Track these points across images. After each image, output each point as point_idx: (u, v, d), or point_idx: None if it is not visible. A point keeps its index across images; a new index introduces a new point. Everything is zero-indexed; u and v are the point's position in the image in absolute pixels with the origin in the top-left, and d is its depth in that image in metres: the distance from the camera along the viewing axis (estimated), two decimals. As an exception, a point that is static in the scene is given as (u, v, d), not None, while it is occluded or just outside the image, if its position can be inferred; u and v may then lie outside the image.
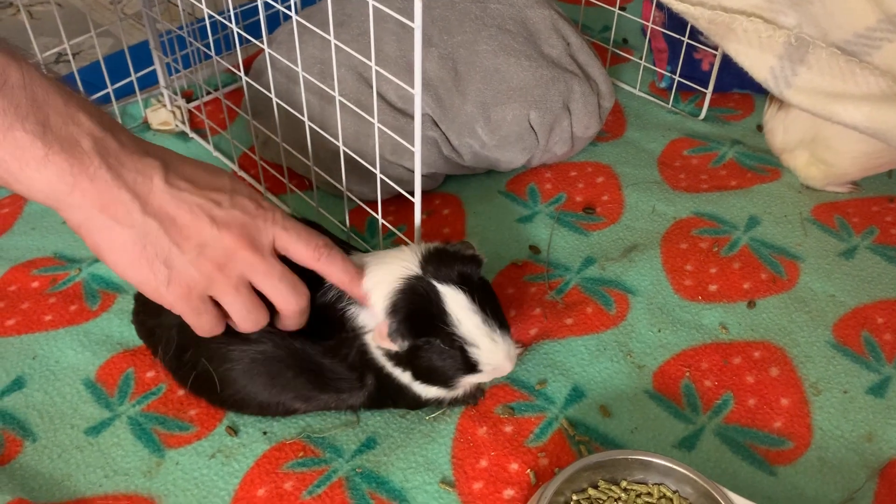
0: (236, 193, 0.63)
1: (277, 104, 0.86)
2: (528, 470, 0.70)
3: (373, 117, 0.75)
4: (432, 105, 0.93)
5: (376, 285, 0.67)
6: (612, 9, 1.14)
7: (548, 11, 1.00)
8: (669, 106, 1.13)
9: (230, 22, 0.85)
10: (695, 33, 1.01)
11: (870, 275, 0.88)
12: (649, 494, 0.66)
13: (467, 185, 1.01)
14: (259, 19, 0.81)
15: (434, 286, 0.66)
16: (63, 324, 0.83)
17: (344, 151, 0.81)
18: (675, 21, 1.05)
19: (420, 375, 0.69)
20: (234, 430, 0.73)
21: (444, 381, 0.69)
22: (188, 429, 0.74)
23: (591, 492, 0.66)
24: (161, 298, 0.61)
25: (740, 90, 1.15)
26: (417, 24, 0.61)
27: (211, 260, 0.60)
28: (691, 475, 0.65)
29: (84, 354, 0.80)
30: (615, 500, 0.66)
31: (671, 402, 0.76)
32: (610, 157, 1.04)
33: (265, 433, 0.73)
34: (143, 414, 0.75)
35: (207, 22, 0.89)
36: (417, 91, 0.66)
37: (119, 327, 0.82)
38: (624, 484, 0.67)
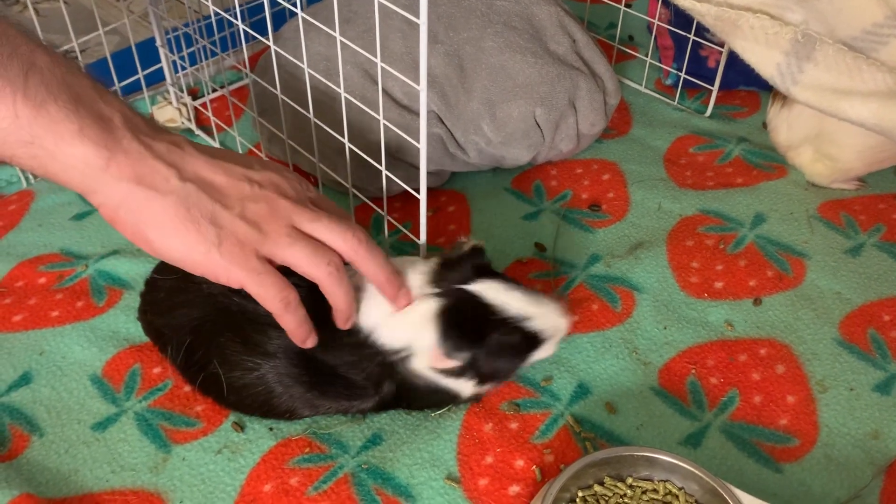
0: (265, 163, 0.64)
1: (283, 101, 0.86)
2: (534, 466, 0.70)
3: (378, 114, 0.75)
4: (438, 102, 0.93)
5: (405, 313, 0.67)
6: (618, 6, 1.14)
7: (554, 8, 1.00)
8: (675, 103, 1.13)
9: (236, 19, 0.85)
10: (701, 30, 1.01)
11: (876, 272, 0.88)
12: (655, 491, 0.66)
13: (473, 182, 1.01)
14: (265, 16, 0.81)
15: (463, 289, 0.67)
16: (70, 320, 0.83)
17: (349, 148, 0.81)
18: (681, 18, 1.05)
19: (488, 377, 0.70)
20: (240, 426, 0.73)
21: (512, 370, 0.71)
22: (194, 424, 0.74)
23: (597, 488, 0.66)
24: (215, 265, 0.58)
25: (746, 87, 1.15)
26: (423, 21, 0.61)
27: (255, 212, 0.59)
28: (697, 472, 0.65)
29: (91, 350, 0.80)
30: (621, 497, 0.66)
31: (677, 399, 0.76)
32: (616, 155, 1.04)
33: (271, 429, 0.73)
34: (150, 409, 0.75)
35: (213, 19, 0.90)
36: (423, 88, 0.66)
37: (125, 323, 0.82)
38: (629, 481, 0.67)
